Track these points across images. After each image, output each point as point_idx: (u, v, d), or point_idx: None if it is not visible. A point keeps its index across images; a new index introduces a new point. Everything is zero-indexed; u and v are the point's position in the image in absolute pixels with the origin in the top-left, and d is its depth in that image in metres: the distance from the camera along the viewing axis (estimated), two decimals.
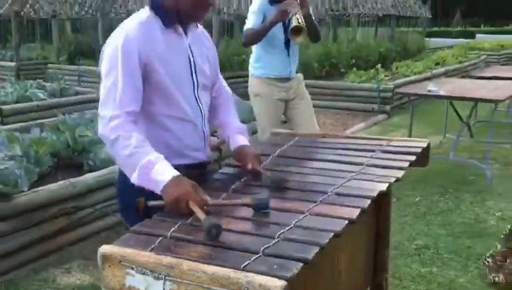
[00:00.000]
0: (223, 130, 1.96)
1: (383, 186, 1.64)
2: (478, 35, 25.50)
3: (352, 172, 1.78)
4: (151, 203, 1.50)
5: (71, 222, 3.12)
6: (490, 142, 4.37)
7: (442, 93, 4.36)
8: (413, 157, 1.95)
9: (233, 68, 10.09)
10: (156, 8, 1.69)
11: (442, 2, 39.30)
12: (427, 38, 18.23)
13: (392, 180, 1.73)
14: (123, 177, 1.65)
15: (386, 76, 8.96)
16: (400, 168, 1.83)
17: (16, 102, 6.26)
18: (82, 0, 13.34)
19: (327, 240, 1.25)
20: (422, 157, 2.09)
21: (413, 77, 9.04)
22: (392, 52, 11.85)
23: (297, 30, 3.10)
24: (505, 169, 4.80)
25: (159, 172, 1.48)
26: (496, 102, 4.13)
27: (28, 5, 14.31)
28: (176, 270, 1.14)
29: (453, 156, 4.56)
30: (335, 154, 2.01)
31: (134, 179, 1.51)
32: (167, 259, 1.17)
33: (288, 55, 3.43)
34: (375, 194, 1.56)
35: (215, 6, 1.73)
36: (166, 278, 1.15)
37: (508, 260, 2.37)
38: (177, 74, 1.69)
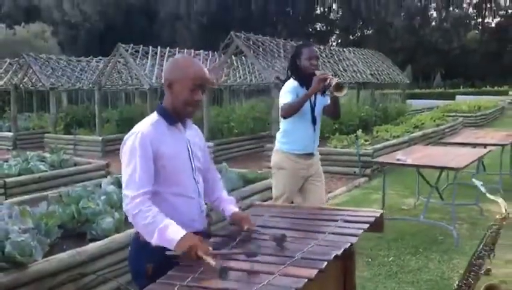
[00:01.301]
0: (218, 203, 2.47)
1: (339, 251, 2.07)
2: (458, 97, 26.64)
3: (317, 239, 2.22)
4: (169, 252, 1.99)
5: (77, 287, 3.47)
6: (453, 205, 4.82)
7: (409, 162, 4.87)
8: (366, 226, 2.40)
9: (224, 134, 10.64)
10: (161, 112, 2.21)
11: (423, 65, 41.07)
12: (408, 100, 19.16)
13: (347, 245, 2.17)
14: (135, 248, 2.20)
15: (366, 140, 9.55)
16: (355, 235, 2.27)
17: (19, 174, 6.68)
18: (78, 74, 14.07)
19: None
20: (378, 224, 2.54)
21: (391, 141, 9.64)
22: (373, 117, 12.54)
23: (340, 86, 3.40)
24: (472, 229, 5.24)
25: (173, 232, 1.99)
26: (456, 170, 4.63)
27: (26, 78, 15.03)
28: None
29: (423, 218, 5.01)
30: (305, 225, 2.45)
31: (154, 240, 2.01)
32: None
33: (314, 131, 3.83)
34: (331, 257, 1.99)
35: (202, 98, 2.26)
36: None
37: None
38: (179, 160, 2.20)
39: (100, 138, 11.59)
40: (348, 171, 8.38)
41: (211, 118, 10.45)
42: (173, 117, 2.22)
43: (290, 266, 1.91)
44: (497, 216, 2.58)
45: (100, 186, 5.40)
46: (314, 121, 3.77)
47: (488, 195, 2.64)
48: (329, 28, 49.65)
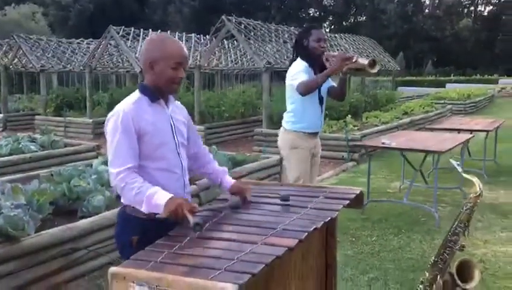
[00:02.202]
0: (215, 175, 2.56)
1: (319, 224, 2.18)
2: (448, 85, 26.82)
3: (299, 213, 2.33)
4: (158, 216, 2.10)
5: (68, 261, 3.57)
6: (435, 188, 4.96)
7: (393, 145, 4.99)
8: (346, 202, 2.51)
9: (214, 118, 10.71)
10: (143, 90, 2.29)
11: (415, 52, 41.18)
12: (399, 88, 19.29)
13: (327, 219, 2.27)
14: (121, 221, 2.31)
15: (355, 126, 9.67)
16: (335, 210, 2.38)
17: (10, 154, 6.73)
18: (69, 56, 14.02)
19: (270, 261, 1.78)
20: (357, 201, 2.65)
21: (380, 127, 9.77)
22: (363, 103, 12.65)
23: (374, 62, 3.42)
24: (454, 211, 5.38)
25: (159, 197, 2.10)
26: (438, 153, 4.76)
27: (16, 59, 14.94)
28: (164, 281, 1.66)
29: (406, 200, 5.15)
30: (289, 199, 2.56)
31: (144, 209, 2.11)
32: (157, 274, 1.69)
33: (321, 111, 3.92)
34: (311, 229, 2.10)
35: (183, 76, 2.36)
36: (158, 287, 1.66)
37: (433, 286, 2.88)
38: (162, 135, 2.27)
39: (91, 120, 11.61)
40: (336, 155, 8.51)
41: (202, 102, 10.51)
42: (155, 94, 2.28)
43: (272, 237, 2.01)
44: (471, 195, 2.69)
45: (91, 166, 5.49)
46: (321, 101, 3.86)
47: (464, 175, 2.75)
48: (322, 13, 49.52)
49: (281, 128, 4.00)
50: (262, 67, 8.97)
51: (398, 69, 16.77)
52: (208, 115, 10.48)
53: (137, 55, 10.83)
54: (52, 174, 4.92)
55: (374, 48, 15.17)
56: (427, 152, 4.89)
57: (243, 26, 9.85)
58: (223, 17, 9.57)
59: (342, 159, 8.42)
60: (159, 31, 12.45)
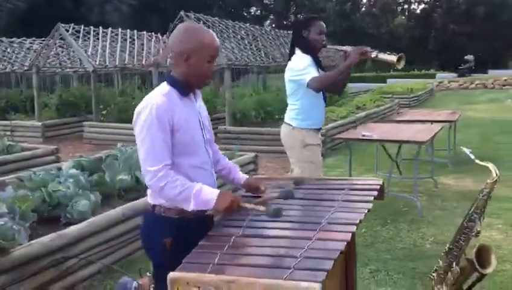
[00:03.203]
0: (227, 172, 2.43)
1: (361, 216, 2.12)
2: (389, 80, 27.73)
3: (333, 206, 2.26)
4: (209, 212, 2.03)
5: (60, 272, 3.32)
6: (416, 178, 5.08)
7: (375, 137, 5.05)
8: (375, 193, 2.47)
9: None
10: (173, 83, 2.14)
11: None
12: None
13: (366, 211, 2.23)
14: (150, 222, 2.18)
15: None
16: (368, 201, 2.34)
17: None
18: (14, 56, 13.23)
19: (336, 256, 1.70)
20: (380, 193, 2.62)
21: (340, 121, 9.93)
22: None
23: (400, 58, 3.35)
24: (430, 200, 5.54)
25: (208, 193, 2.00)
26: (420, 143, 4.86)
27: None
28: (235, 285, 1.54)
29: (388, 191, 5.23)
30: (314, 194, 2.49)
31: (192, 206, 2.00)
32: (227, 277, 1.57)
33: (325, 106, 3.83)
34: (357, 221, 2.04)
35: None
36: None
37: (449, 274, 2.92)
38: (194, 131, 2.15)
39: (40, 123, 11.00)
40: None
41: None
42: (186, 88, 2.15)
43: (322, 231, 1.93)
44: (488, 180, 2.73)
45: (59, 169, 5.17)
46: (324, 95, 3.78)
47: (477, 162, 2.79)
48: (263, 12, 49.81)
49: (285, 126, 3.83)
50: (225, 64, 8.84)
51: None
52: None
53: (89, 53, 10.38)
54: (21, 180, 4.58)
55: None
56: (411, 143, 4.98)
57: (201, 22, 9.66)
58: (182, 13, 9.34)
59: None
60: (110, 28, 12.03)
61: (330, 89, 3.84)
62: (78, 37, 10.86)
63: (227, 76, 9.10)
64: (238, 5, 45.82)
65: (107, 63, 10.71)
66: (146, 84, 12.91)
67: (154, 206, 2.13)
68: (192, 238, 2.13)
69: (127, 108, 10.22)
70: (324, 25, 3.71)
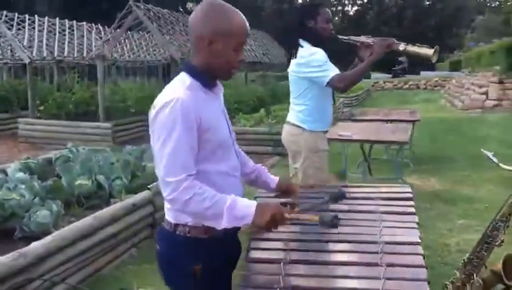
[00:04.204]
0: (257, 175, 2.07)
1: (417, 233, 1.84)
2: None
3: (374, 220, 1.96)
4: (245, 229, 1.67)
5: None
6: (401, 178, 4.92)
7: (354, 137, 4.84)
8: (412, 202, 2.20)
9: (120, 114, 9.76)
10: (196, 74, 1.73)
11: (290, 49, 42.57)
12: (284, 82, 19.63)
13: (416, 225, 1.95)
14: (171, 246, 1.76)
15: (271, 119, 9.50)
16: (412, 213, 2.06)
17: None
18: None
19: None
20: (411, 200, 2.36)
21: None
22: (267, 97, 12.58)
23: (436, 50, 3.02)
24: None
25: (244, 206, 1.62)
26: (403, 143, 4.70)
27: None
28: None
29: None
30: (349, 204, 2.18)
31: (223, 224, 1.60)
32: None
33: (333, 106, 3.46)
34: (419, 240, 1.76)
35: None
36: None
37: (467, 286, 2.73)
38: (222, 131, 1.77)
39: None
40: (259, 150, 8.23)
41: (106, 97, 9.54)
42: (210, 80, 1.77)
43: (385, 254, 1.63)
44: None
45: (5, 174, 4.53)
46: (333, 96, 3.43)
47: (502, 165, 2.61)
48: None
49: (293, 128, 3.39)
50: (178, 58, 8.35)
51: None
52: (114, 110, 9.52)
53: (24, 44, 9.49)
54: None
55: (271, 42, 15.21)
56: (394, 143, 4.81)
57: (151, 13, 9.08)
58: (131, 2, 8.72)
59: (266, 153, 8.16)
60: (46, 17, 11.12)
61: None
62: (12, 25, 9.89)
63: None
64: (174, 1, 44.83)
65: (45, 55, 9.85)
66: (86, 78, 12.06)
67: (176, 225, 1.74)
68: (223, 263, 1.77)
69: (66, 103, 9.46)
70: (330, 12, 3.33)
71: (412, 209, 2.10)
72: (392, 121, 6.66)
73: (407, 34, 40.45)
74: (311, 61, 3.19)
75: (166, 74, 12.98)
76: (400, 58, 29.93)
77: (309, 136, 3.32)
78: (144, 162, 4.82)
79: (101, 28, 12.13)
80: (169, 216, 1.76)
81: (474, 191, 5.97)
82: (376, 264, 1.54)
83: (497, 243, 2.62)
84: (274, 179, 2.08)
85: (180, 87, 1.69)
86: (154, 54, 11.90)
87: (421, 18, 40.11)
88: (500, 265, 2.56)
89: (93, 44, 10.33)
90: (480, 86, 15.78)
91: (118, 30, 9.18)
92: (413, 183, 6.25)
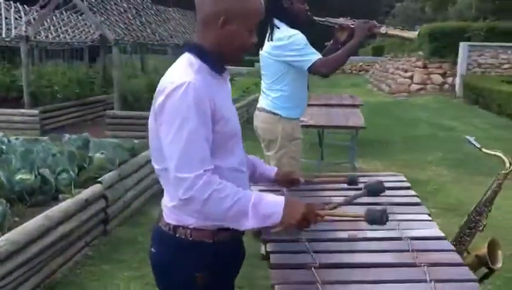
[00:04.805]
0: (254, 169, 1.89)
1: (436, 225, 1.75)
2: (257, 64, 28.16)
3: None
4: (273, 230, 1.46)
5: None
6: (353, 164, 4.92)
7: (311, 122, 4.75)
8: (413, 192, 2.12)
9: (47, 100, 9.05)
10: (205, 56, 1.52)
11: None
12: None
13: (428, 216, 1.86)
14: (171, 251, 1.56)
15: None
16: (418, 204, 1.98)
17: None
18: None
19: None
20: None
21: (239, 104, 9.57)
22: None
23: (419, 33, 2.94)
24: None
25: (270, 204, 1.43)
26: (360, 128, 4.69)
27: None
28: None
29: None
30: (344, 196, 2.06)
31: (248, 224, 1.42)
32: None
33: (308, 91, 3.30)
34: (443, 234, 1.67)
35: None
36: None
37: None
38: (232, 123, 1.57)
39: None
40: None
41: (33, 81, 8.79)
42: (220, 63, 1.56)
43: (418, 253, 1.52)
44: (502, 171, 2.55)
45: None
46: (307, 81, 3.27)
47: (484, 150, 2.61)
48: None
49: (268, 115, 3.21)
50: (113, 40, 7.83)
51: None
52: (40, 96, 8.78)
53: None
54: None
55: None
56: (352, 128, 4.78)
57: None
58: None
59: None
60: None
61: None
62: None
63: (116, 53, 8.09)
64: None
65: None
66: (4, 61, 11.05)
67: (176, 227, 1.53)
68: (228, 270, 1.60)
69: None
70: None
71: (417, 200, 2.03)
72: (339, 106, 6.66)
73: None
74: (290, 44, 3.00)
75: (97, 56, 12.23)
76: (326, 43, 30.41)
77: (286, 124, 3.18)
78: (89, 152, 4.44)
79: (20, 6, 11.16)
80: (169, 217, 1.55)
81: (420, 174, 6.15)
82: (414, 265, 1.43)
83: (480, 229, 2.64)
84: (272, 169, 1.94)
85: (188, 69, 1.48)
86: (79, 35, 11.15)
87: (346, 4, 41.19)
88: (486, 249, 2.56)
89: (13, 24, 9.44)
90: (406, 71, 16.44)
91: (43, 9, 8.45)
92: (360, 167, 6.33)
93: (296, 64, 3.02)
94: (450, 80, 15.03)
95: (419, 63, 15.63)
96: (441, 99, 14.08)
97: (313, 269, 1.41)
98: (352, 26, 3.00)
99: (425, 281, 1.32)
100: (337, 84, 21.21)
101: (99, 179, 3.91)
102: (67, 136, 5.20)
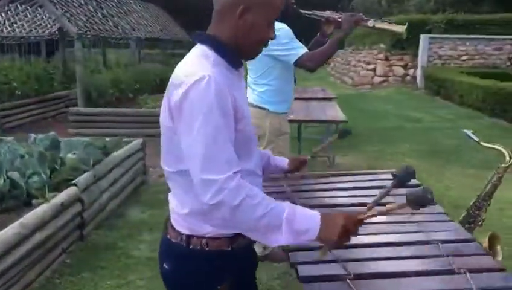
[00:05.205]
0: (267, 163, 1.82)
1: (459, 228, 1.68)
2: None
3: (399, 214, 1.77)
4: (320, 255, 1.33)
5: None
6: (333, 157, 4.85)
7: (291, 117, 4.64)
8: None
9: (4, 97, 8.58)
10: (221, 50, 1.38)
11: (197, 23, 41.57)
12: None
13: (447, 217, 1.79)
14: (183, 266, 1.42)
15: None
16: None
17: None
18: None
19: None
20: None
21: None
22: (168, 76, 11.94)
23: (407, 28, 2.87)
24: None
25: (304, 218, 1.28)
26: (343, 122, 4.63)
27: None
28: None
29: None
30: (344, 197, 1.98)
31: (280, 239, 1.27)
32: None
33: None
34: (471, 236, 1.60)
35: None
36: None
37: None
38: (250, 120, 1.44)
39: None
40: None
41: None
42: (237, 58, 1.43)
43: (457, 257, 1.43)
44: (502, 164, 2.53)
45: None
46: (294, 75, 3.21)
47: (483, 144, 2.57)
48: None
49: (256, 110, 3.07)
50: (75, 34, 7.47)
51: (191, 40, 16.42)
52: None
53: None
54: None
55: (167, 19, 14.46)
56: (333, 122, 4.71)
57: None
58: None
59: None
60: None
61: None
62: None
63: (78, 48, 7.73)
64: None
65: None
66: None
67: (189, 237, 1.39)
68: (248, 276, 1.49)
69: None
70: None
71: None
72: (315, 99, 6.61)
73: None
74: (276, 38, 2.88)
75: (55, 50, 11.73)
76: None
77: (274, 118, 3.13)
78: (61, 153, 4.18)
79: None
80: (181, 226, 1.41)
81: (394, 166, 6.15)
82: (453, 272, 1.34)
83: (479, 223, 2.61)
84: (283, 160, 1.87)
85: (204, 62, 1.34)
86: (36, 29, 10.64)
87: None
88: (487, 243, 2.54)
89: None
90: (368, 63, 16.62)
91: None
92: (339, 162, 6.30)
93: (282, 58, 2.96)
94: (411, 71, 15.30)
95: (381, 56, 15.83)
96: (404, 91, 14.31)
97: (348, 281, 1.30)
98: (339, 19, 2.94)
99: (471, 289, 1.24)
100: (302, 77, 21.27)
101: (74, 182, 3.68)
102: (32, 135, 4.90)
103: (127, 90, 9.34)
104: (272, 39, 1.46)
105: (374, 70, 16.07)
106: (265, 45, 1.46)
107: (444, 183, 5.44)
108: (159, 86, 11.04)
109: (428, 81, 13.83)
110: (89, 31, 8.12)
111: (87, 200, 3.77)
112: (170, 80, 1.42)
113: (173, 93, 1.31)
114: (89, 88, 8.05)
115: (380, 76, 15.76)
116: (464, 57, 14.84)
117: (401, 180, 1.37)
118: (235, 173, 1.25)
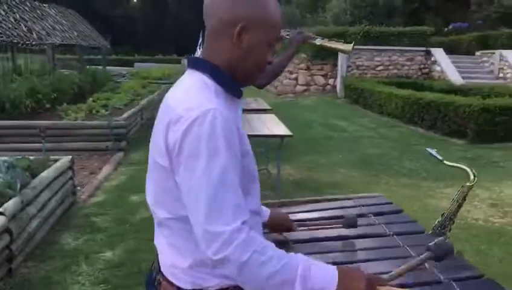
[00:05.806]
0: None
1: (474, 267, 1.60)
2: (136, 64, 27.08)
3: (398, 246, 1.69)
4: None
5: None
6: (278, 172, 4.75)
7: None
8: (407, 217, 1.99)
9: None
10: (221, 77, 1.21)
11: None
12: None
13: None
14: None
15: (97, 111, 8.56)
16: (421, 232, 1.84)
17: None
18: None
19: None
20: None
21: (135, 109, 8.96)
22: (87, 84, 11.33)
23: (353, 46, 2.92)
24: (282, 192, 5.32)
25: (322, 276, 1.13)
26: (284, 137, 4.54)
27: None
28: None
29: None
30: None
31: None
32: None
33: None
34: (480, 273, 1.53)
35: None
36: None
37: None
38: (252, 156, 1.29)
39: None
40: (97, 146, 7.26)
41: None
42: (237, 85, 1.27)
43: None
44: (467, 183, 2.53)
45: None
46: None
47: (447, 163, 2.57)
48: None
49: None
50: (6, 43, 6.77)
51: (108, 46, 15.71)
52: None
53: None
54: None
55: (83, 24, 13.72)
56: (279, 137, 4.59)
57: None
58: None
59: (106, 149, 7.25)
60: None
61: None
62: None
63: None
64: None
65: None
66: None
67: None
68: None
69: None
70: None
71: (420, 228, 1.88)
72: (252, 111, 6.50)
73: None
74: None
75: None
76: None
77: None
78: None
79: None
80: (184, 282, 1.22)
81: (332, 177, 6.22)
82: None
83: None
84: (266, 211, 1.64)
85: (206, 92, 1.17)
86: None
87: None
88: None
89: None
90: (291, 72, 16.87)
91: None
92: (272, 172, 6.22)
93: None
94: (331, 81, 15.74)
95: (303, 65, 16.13)
96: (326, 100, 14.66)
97: None
98: (287, 36, 2.85)
99: None
100: None
101: (0, 210, 3.25)
102: None
103: (44, 100, 8.66)
104: (269, 63, 1.30)
105: (296, 79, 16.34)
106: (263, 70, 1.30)
107: (388, 194, 5.54)
108: (78, 94, 10.42)
109: (348, 90, 14.28)
110: (1, 36, 7.42)
111: (16, 230, 3.34)
112: (162, 108, 1.23)
113: (169, 131, 1.12)
114: (2, 99, 7.35)
115: (302, 85, 16.06)
116: (379, 68, 15.52)
117: (438, 257, 1.28)
118: (243, 223, 1.08)
